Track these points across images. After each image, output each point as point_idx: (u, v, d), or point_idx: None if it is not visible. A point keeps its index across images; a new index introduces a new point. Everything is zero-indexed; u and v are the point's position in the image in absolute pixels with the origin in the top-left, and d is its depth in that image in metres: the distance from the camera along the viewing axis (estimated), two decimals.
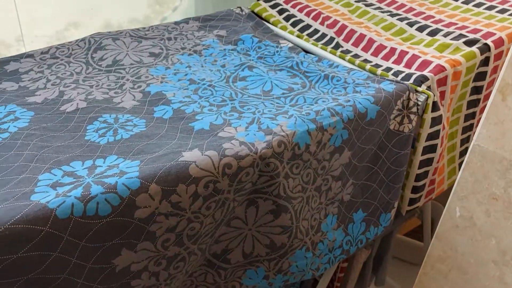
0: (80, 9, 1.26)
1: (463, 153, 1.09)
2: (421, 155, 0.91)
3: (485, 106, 1.07)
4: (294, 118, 0.72)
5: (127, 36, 0.98)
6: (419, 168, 0.93)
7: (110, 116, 0.71)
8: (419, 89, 0.86)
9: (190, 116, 0.72)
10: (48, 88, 0.79)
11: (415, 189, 0.96)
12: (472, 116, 1.04)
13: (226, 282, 0.74)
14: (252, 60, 0.95)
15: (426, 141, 0.90)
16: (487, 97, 1.05)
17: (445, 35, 1.01)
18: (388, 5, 1.20)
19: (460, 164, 1.10)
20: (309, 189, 0.75)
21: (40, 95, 0.77)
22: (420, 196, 0.98)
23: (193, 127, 0.69)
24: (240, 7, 1.19)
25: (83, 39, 0.95)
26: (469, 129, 1.06)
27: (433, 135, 0.90)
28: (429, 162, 0.93)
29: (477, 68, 0.96)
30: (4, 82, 0.80)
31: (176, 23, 1.08)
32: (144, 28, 1.04)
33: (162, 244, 0.60)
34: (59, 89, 0.79)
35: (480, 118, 1.09)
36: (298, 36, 1.09)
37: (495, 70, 1.01)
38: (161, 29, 1.04)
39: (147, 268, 0.60)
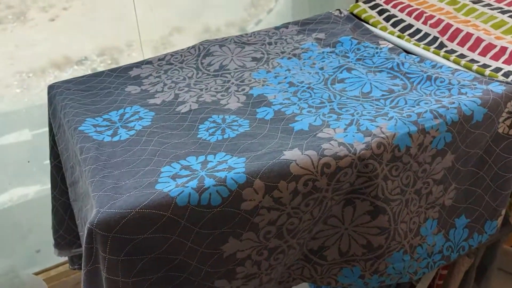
0: (181, 15, 1.35)
1: None
2: None
3: None
4: (394, 120, 0.72)
5: (231, 43, 1.05)
6: None
7: (218, 117, 0.78)
8: None
9: (289, 117, 0.76)
10: (165, 91, 0.89)
11: None
12: None
13: (322, 278, 0.77)
14: (351, 62, 0.96)
15: None
16: None
17: None
18: (499, 1, 1.12)
19: None
20: (409, 192, 0.74)
21: (158, 97, 0.87)
22: None
23: (293, 128, 0.73)
24: (339, 9, 1.20)
25: (193, 47, 1.04)
26: None
27: None
28: None
29: None
30: (129, 85, 0.92)
31: (276, 28, 1.13)
32: (247, 34, 1.10)
33: (264, 235, 0.65)
34: (174, 92, 0.88)
35: None
36: (399, 37, 1.07)
37: None
38: (262, 34, 1.10)
39: (250, 256, 0.65)
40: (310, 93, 0.84)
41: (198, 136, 0.73)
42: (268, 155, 0.65)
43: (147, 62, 1.00)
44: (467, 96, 0.78)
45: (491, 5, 1.11)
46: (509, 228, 0.99)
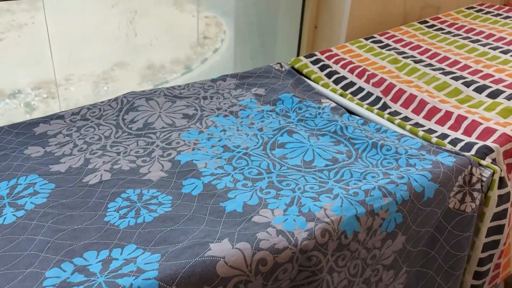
0: (126, 49, 1.28)
1: None
2: (486, 237, 0.79)
3: None
4: (340, 199, 0.63)
5: (161, 96, 0.93)
6: (482, 251, 0.80)
7: (134, 192, 0.65)
8: (483, 162, 0.75)
9: (221, 193, 0.65)
10: (74, 155, 0.74)
11: (477, 275, 0.82)
12: None
13: None
14: (292, 123, 0.87)
15: (491, 221, 0.78)
16: None
17: (509, 98, 0.91)
18: (440, 61, 1.11)
19: None
20: (357, 282, 0.64)
21: (64, 162, 0.72)
22: (483, 283, 0.84)
23: (225, 208, 0.62)
24: (280, 63, 1.13)
25: (115, 99, 0.91)
26: None
27: (500, 215, 0.78)
28: (494, 244, 0.81)
29: None
30: (30, 146, 0.76)
31: (213, 80, 1.03)
32: (179, 86, 0.99)
33: None
34: (85, 156, 0.74)
35: None
36: (341, 95, 1.01)
37: None
38: (197, 87, 1.00)
39: None
40: (247, 161, 0.74)
41: (106, 219, 0.59)
42: (190, 250, 0.52)
43: (58, 116, 0.85)
44: (416, 169, 0.71)
45: (432, 65, 1.09)
46: None
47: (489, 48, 1.14)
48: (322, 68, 1.12)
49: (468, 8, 1.44)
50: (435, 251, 0.75)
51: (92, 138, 0.80)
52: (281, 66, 1.12)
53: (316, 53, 1.18)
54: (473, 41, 1.20)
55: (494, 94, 0.93)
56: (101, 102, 0.90)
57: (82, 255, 0.52)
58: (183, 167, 0.71)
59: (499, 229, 0.79)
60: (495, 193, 0.75)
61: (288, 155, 0.76)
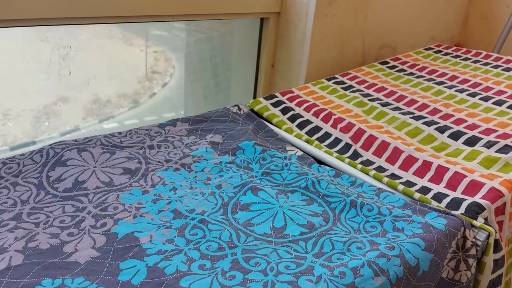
0: (70, 83, 1.19)
1: None
2: None
3: None
4: (324, 283, 0.50)
5: (97, 145, 0.77)
6: None
7: (52, 285, 0.48)
8: (476, 223, 0.66)
9: (171, 280, 0.50)
10: None
11: None
12: None
13: None
14: (256, 177, 0.75)
15: None
16: None
17: (488, 146, 0.84)
18: (408, 104, 1.04)
19: None
20: None
21: None
22: None
23: None
24: (238, 105, 1.02)
25: (40, 151, 0.74)
26: None
27: (495, 282, 0.68)
28: None
29: None
30: None
31: (161, 125, 0.89)
32: (120, 133, 0.84)
33: None
34: None
35: None
36: (307, 141, 0.90)
37: None
38: (141, 134, 0.85)
39: None
40: (204, 231, 0.59)
41: None
42: None
43: None
44: (406, 235, 0.60)
45: (400, 108, 1.02)
46: None
47: (455, 91, 1.10)
48: (284, 111, 1.02)
49: (426, 49, 1.41)
50: None
51: (4, 203, 0.62)
52: (239, 109, 1.00)
53: (277, 94, 1.08)
54: (438, 83, 1.15)
55: (471, 142, 0.86)
56: (21, 155, 0.73)
57: None
58: (121, 242, 0.56)
59: None
60: (490, 258, 0.66)
61: (254, 220, 0.63)
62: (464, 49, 1.38)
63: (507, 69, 1.20)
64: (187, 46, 1.51)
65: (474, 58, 1.30)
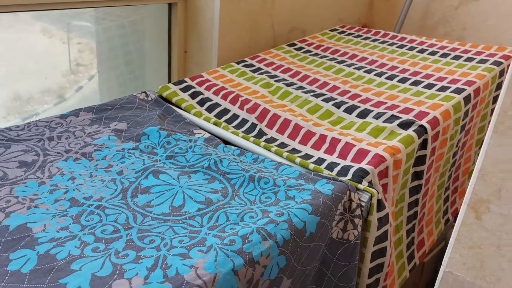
0: None
1: (409, 245, 0.97)
2: (370, 262, 0.76)
3: (426, 190, 0.98)
4: (214, 251, 0.53)
5: None
6: (369, 277, 0.78)
7: None
8: (360, 186, 0.72)
9: (62, 265, 0.51)
10: None
11: None
12: (415, 203, 0.93)
13: None
14: (160, 161, 0.76)
15: (374, 245, 0.76)
16: (427, 181, 0.95)
17: (377, 117, 0.92)
18: (310, 83, 1.10)
19: (409, 258, 0.97)
20: None
21: None
22: None
23: (65, 286, 0.48)
24: (145, 92, 1.02)
25: None
26: (413, 217, 0.95)
27: (382, 237, 0.76)
28: (379, 268, 0.79)
29: (416, 153, 0.87)
30: None
31: (62, 116, 0.87)
32: (17, 126, 0.81)
33: None
34: None
35: (424, 204, 0.99)
36: (215, 123, 0.93)
37: (433, 152, 0.93)
38: (41, 126, 0.83)
39: None
40: (100, 216, 0.60)
41: None
42: None
43: None
44: (296, 202, 0.65)
45: (303, 87, 1.08)
46: None
47: (354, 68, 1.17)
48: (194, 96, 1.03)
49: (331, 30, 1.49)
50: (323, 286, 0.69)
51: None
52: (147, 95, 1.01)
53: (186, 79, 1.09)
54: (339, 62, 1.22)
55: (363, 114, 0.94)
56: None
57: None
58: (12, 234, 0.55)
59: (382, 252, 0.78)
60: (375, 217, 0.73)
61: (153, 201, 0.65)
62: (365, 29, 1.47)
63: (401, 46, 1.31)
64: (97, 35, 1.47)
65: (374, 37, 1.40)
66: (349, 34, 1.45)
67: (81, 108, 0.91)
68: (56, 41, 1.37)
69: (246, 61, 1.23)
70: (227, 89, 1.05)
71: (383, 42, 1.35)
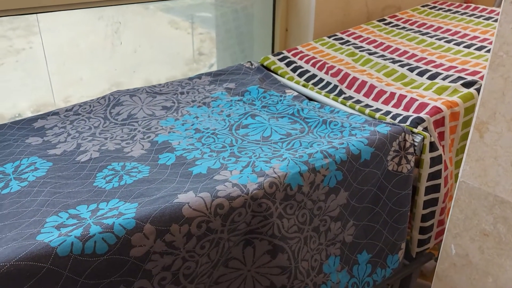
0: (122, 69, 1.35)
1: None
2: (424, 195, 0.92)
3: None
4: (287, 160, 0.76)
5: (143, 93, 1.07)
6: (424, 208, 0.93)
7: (118, 164, 0.78)
8: (415, 130, 0.88)
9: (190, 161, 0.78)
10: (68, 142, 0.88)
11: (423, 230, 0.95)
12: None
13: None
14: (256, 109, 1.01)
15: (427, 181, 0.91)
16: None
17: (444, 78, 1.04)
18: (392, 52, 1.25)
19: None
20: (306, 229, 0.77)
21: (60, 147, 0.86)
22: (430, 237, 0.97)
23: (192, 172, 0.75)
24: (250, 62, 1.27)
25: (104, 97, 1.05)
26: None
27: (435, 175, 0.91)
28: (433, 202, 0.93)
29: None
30: (31, 137, 0.90)
31: (190, 78, 1.17)
32: (160, 84, 1.13)
33: (159, 282, 0.64)
34: (77, 142, 0.87)
35: None
36: (303, 85, 1.15)
37: None
38: (175, 84, 1.14)
39: None
40: (214, 138, 0.87)
41: (94, 184, 0.72)
42: (162, 199, 0.65)
43: (54, 113, 0.99)
44: (356, 137, 0.85)
45: (385, 56, 1.23)
46: (417, 262, 1.04)
47: (436, 39, 1.28)
48: (288, 64, 1.26)
49: (423, 6, 1.59)
50: (379, 207, 0.88)
51: (83, 128, 0.93)
52: (251, 64, 1.26)
53: (284, 51, 1.32)
54: (423, 34, 1.34)
55: (433, 76, 1.07)
56: (91, 100, 1.04)
57: (75, 208, 0.65)
58: (160, 145, 0.85)
59: (435, 188, 0.92)
60: (427, 156, 0.88)
61: (250, 133, 0.90)
62: (456, 4, 1.53)
63: (488, 18, 1.36)
64: (216, 20, 1.77)
65: (463, 11, 1.47)
66: (440, 9, 1.53)
67: (203, 73, 1.20)
68: (181, 32, 1.53)
69: (336, 35, 1.41)
70: (316, 58, 1.26)
71: (471, 15, 1.42)
